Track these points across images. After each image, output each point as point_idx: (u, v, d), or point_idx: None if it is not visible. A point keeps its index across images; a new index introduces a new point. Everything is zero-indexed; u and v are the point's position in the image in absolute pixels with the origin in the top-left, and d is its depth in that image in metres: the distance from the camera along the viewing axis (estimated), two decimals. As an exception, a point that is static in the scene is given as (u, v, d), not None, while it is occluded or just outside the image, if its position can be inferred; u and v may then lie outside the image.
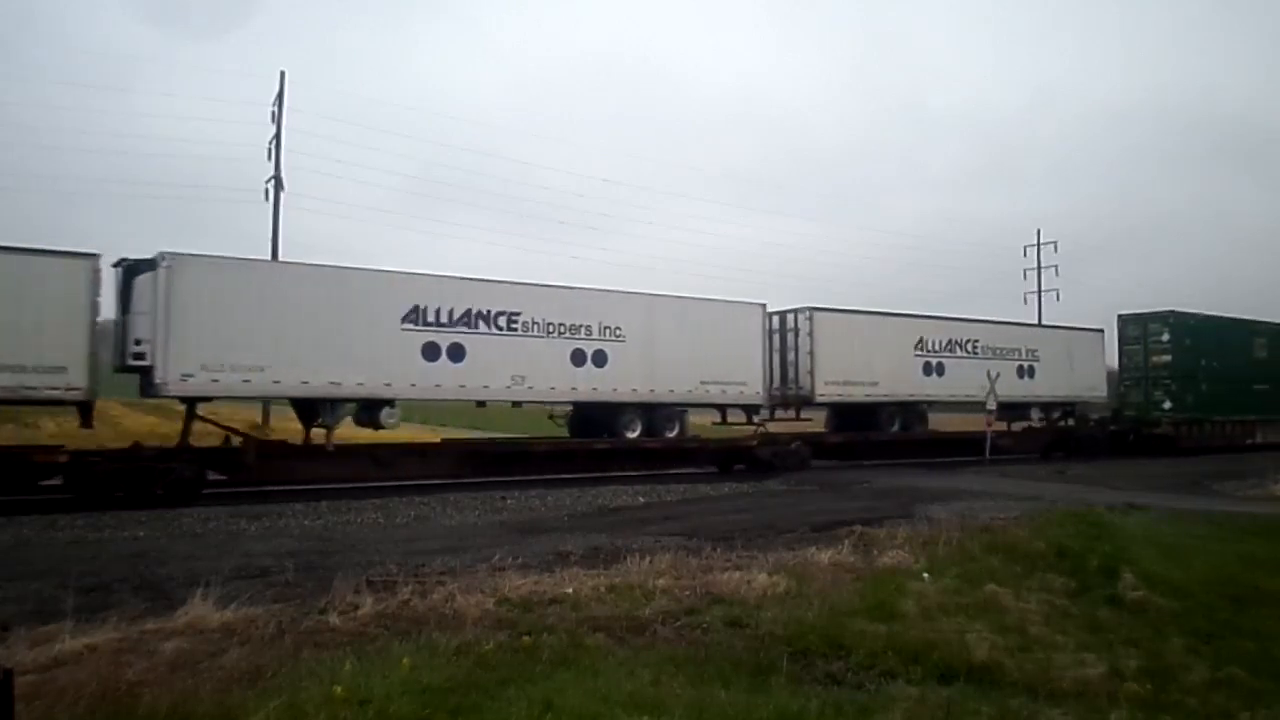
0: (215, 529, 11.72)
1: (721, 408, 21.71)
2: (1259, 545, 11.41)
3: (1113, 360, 31.57)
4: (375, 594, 7.05)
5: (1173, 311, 30.79)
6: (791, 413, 23.67)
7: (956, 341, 25.47)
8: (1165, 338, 30.39)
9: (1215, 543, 11.53)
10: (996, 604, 7.90)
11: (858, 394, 23.27)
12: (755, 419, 22.18)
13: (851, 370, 23.04)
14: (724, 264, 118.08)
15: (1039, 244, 51.36)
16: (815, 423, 24.90)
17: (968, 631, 6.83)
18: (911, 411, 24.72)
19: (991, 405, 24.82)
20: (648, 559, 8.79)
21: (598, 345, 19.27)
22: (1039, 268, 51.03)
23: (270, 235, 30.09)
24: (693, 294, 22.27)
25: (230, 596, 6.65)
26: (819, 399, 22.75)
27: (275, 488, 15.67)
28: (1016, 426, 27.75)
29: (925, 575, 8.62)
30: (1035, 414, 27.86)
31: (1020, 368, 26.94)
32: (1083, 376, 28.64)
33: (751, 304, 22.12)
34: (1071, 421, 29.14)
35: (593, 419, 20.14)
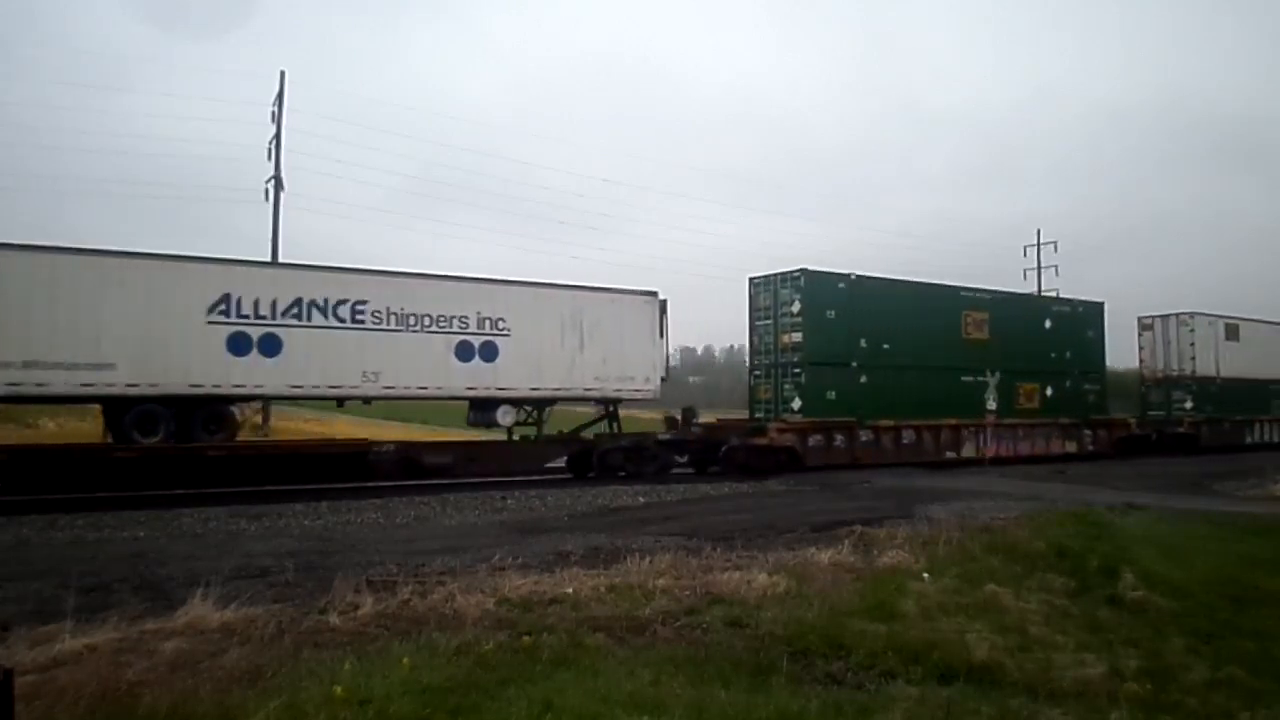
0: (215, 529, 11.72)
1: None
2: (1259, 545, 11.41)
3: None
4: (375, 594, 7.05)
5: (804, 270, 21.50)
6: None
7: (314, 303, 16.62)
8: (795, 309, 21.48)
9: (1215, 542, 11.53)
10: (996, 604, 7.90)
11: (57, 383, 14.56)
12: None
13: (43, 343, 14.41)
14: (724, 264, 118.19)
15: (1039, 244, 51.42)
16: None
17: (968, 631, 6.83)
18: (202, 411, 15.91)
19: (991, 405, 24.75)
20: (648, 559, 8.80)
21: None
22: (1039, 268, 51.07)
23: (270, 235, 30.12)
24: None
25: (230, 596, 6.64)
26: None
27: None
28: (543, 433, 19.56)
29: (925, 575, 8.62)
30: (505, 415, 18.62)
31: (463, 345, 17.93)
32: (616, 362, 19.48)
33: None
34: (618, 427, 20.59)
35: None
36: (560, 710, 4.58)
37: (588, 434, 20.61)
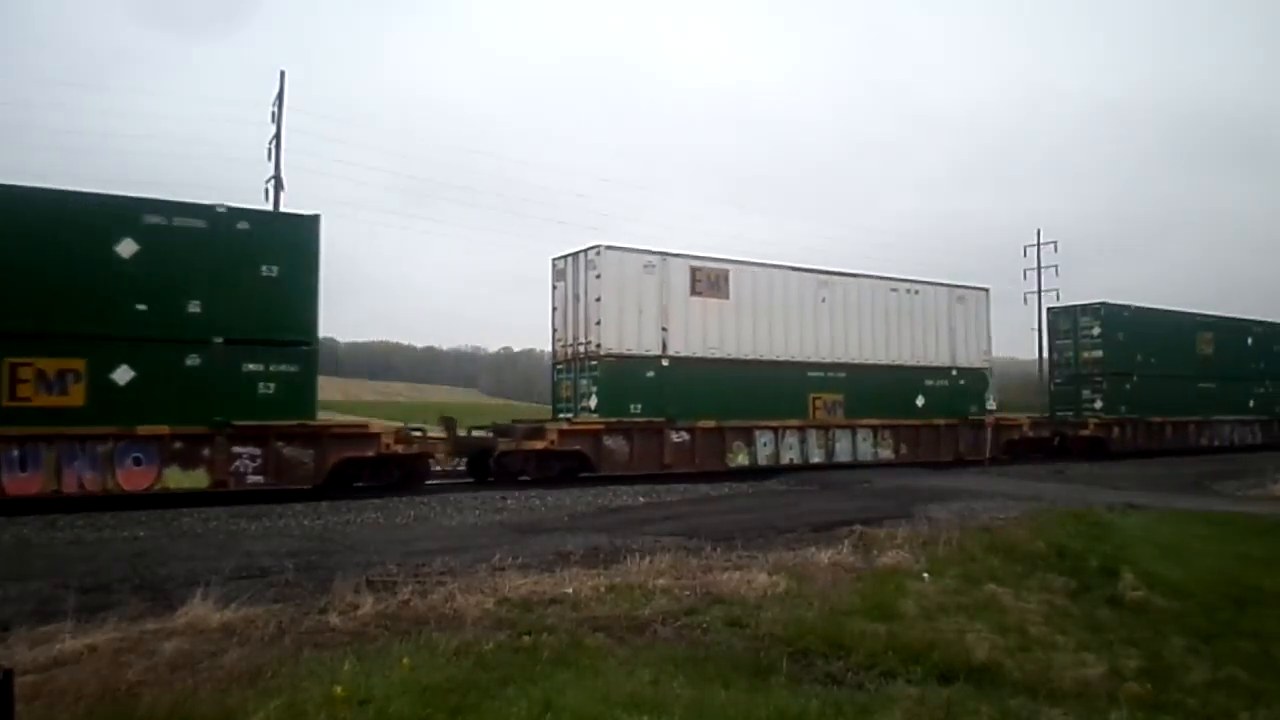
0: (215, 529, 11.71)
1: None
2: (1259, 545, 11.41)
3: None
4: (375, 594, 7.05)
5: None
6: None
7: None
8: None
9: (1215, 543, 11.53)
10: (996, 604, 7.91)
11: None
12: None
13: None
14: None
15: (1039, 243, 51.43)
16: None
17: (968, 631, 6.84)
18: None
19: (992, 404, 24.85)
20: (648, 559, 8.79)
21: None
22: (1039, 268, 51.06)
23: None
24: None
25: (230, 596, 6.64)
26: None
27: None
28: None
29: (925, 575, 8.62)
30: None
31: None
32: None
33: None
34: None
35: None
36: (560, 710, 4.58)
37: None
